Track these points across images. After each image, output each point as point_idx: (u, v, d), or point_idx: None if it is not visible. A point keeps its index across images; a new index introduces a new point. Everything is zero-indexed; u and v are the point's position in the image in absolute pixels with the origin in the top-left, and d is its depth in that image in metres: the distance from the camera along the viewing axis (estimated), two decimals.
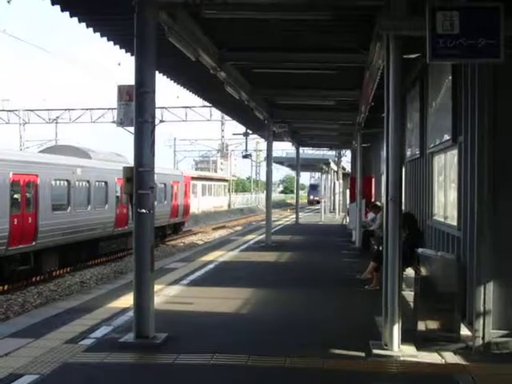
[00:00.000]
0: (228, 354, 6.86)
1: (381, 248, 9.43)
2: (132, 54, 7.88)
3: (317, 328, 8.39)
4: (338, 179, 44.51)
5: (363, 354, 6.93)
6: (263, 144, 31.53)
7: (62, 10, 7.96)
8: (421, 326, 7.77)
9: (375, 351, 6.94)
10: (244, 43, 11.37)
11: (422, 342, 7.32)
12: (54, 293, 16.74)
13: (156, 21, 7.34)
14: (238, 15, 8.82)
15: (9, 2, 23.15)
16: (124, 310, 8.91)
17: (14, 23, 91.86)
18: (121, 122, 8.51)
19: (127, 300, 9.19)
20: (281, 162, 44.19)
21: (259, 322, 8.73)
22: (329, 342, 7.45)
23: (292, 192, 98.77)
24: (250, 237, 23.44)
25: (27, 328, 8.05)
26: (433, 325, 7.81)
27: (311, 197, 72.20)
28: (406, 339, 7.10)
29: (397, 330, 6.93)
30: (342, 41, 10.78)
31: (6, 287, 16.80)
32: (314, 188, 71.35)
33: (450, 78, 8.98)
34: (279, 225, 31.19)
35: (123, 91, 8.30)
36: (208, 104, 25.48)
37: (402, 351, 6.92)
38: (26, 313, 8.90)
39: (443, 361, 6.81)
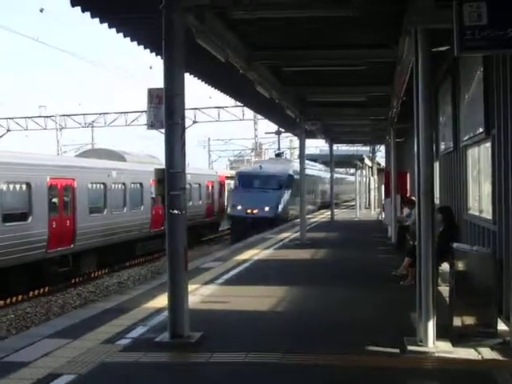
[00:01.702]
0: (263, 353, 6.89)
1: (415, 243, 9.36)
2: (162, 57, 7.96)
3: (351, 325, 8.37)
4: (372, 175, 44.18)
5: (398, 351, 6.90)
6: (297, 142, 31.64)
7: (92, 17, 8.09)
8: (456, 321, 7.68)
9: (410, 347, 6.90)
10: (273, 42, 11.40)
11: (458, 337, 7.23)
12: (92, 294, 17.03)
13: (183, 23, 7.41)
14: (266, 15, 8.84)
15: (41, 11, 23.40)
16: (159, 310, 9.02)
17: (51, 32, 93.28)
18: (151, 125, 8.61)
19: (163, 300, 9.29)
20: (314, 159, 44.03)
21: (294, 319, 8.75)
22: (363, 339, 7.43)
23: None
24: (284, 235, 23.44)
25: (66, 329, 8.21)
26: (469, 320, 7.71)
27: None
28: (441, 335, 7.04)
29: (431, 326, 6.88)
30: (371, 36, 10.73)
31: (46, 289, 17.15)
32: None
33: (482, 69, 8.86)
34: (314, 222, 31.11)
35: (153, 94, 8.40)
36: (240, 104, 25.53)
37: (438, 347, 6.87)
38: (65, 314, 9.05)
39: (480, 357, 6.73)
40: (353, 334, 7.86)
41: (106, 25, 8.74)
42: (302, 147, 20.90)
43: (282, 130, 42.55)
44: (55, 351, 7.03)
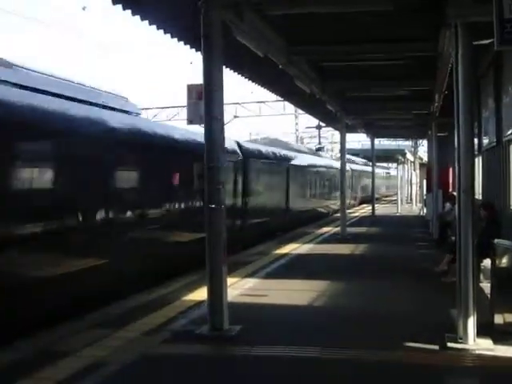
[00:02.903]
0: (302, 347, 6.93)
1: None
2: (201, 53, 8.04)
3: (391, 320, 8.34)
4: (414, 169, 43.71)
5: (437, 347, 6.85)
6: (338, 136, 31.51)
7: (133, 14, 8.21)
8: (498, 318, 7.60)
9: (450, 344, 6.85)
10: (312, 37, 11.36)
11: (500, 335, 7.13)
12: None
13: (222, 20, 7.47)
14: (304, 10, 8.84)
15: (84, 8, 23.84)
16: (200, 303, 9.13)
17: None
18: (191, 120, 8.72)
19: (203, 293, 9.39)
20: (356, 153, 43.78)
21: (334, 314, 8.77)
22: (402, 334, 7.41)
23: None
24: (324, 229, 23.41)
25: (109, 319, 8.39)
26: (511, 317, 7.63)
27: None
28: (482, 332, 6.96)
29: (472, 323, 6.81)
30: (412, 30, 10.62)
31: None
32: None
33: None
34: (355, 217, 30.97)
35: (192, 90, 8.52)
36: (281, 98, 25.52)
37: (478, 344, 6.80)
38: (108, 306, 9.24)
39: None
40: (392, 329, 7.83)
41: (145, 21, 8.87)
42: (342, 142, 20.82)
43: (323, 125, 42.40)
44: (98, 341, 7.20)
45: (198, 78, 7.86)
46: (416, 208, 36.61)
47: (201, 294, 9.70)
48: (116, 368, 6.21)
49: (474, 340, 6.83)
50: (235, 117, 43.59)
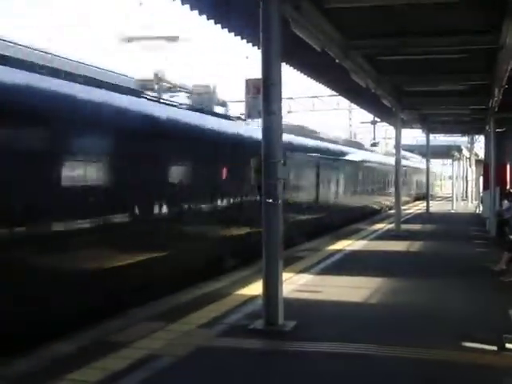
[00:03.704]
0: (357, 344, 6.87)
1: None
2: (258, 48, 8.04)
3: (447, 319, 8.19)
4: (470, 166, 42.84)
5: (495, 348, 6.69)
6: (392, 132, 31.10)
7: (191, 9, 8.28)
8: None
9: (508, 345, 6.68)
10: (369, 31, 11.23)
11: None
12: None
13: (280, 14, 7.44)
14: (363, 3, 8.75)
15: (141, 4, 24.09)
16: (253, 297, 9.16)
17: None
18: (249, 115, 8.73)
19: (257, 287, 9.43)
20: (411, 149, 43.12)
21: (388, 311, 8.67)
22: (458, 334, 7.28)
23: None
24: (378, 226, 23.18)
25: (163, 312, 8.50)
26: None
27: None
28: None
29: None
30: (471, 22, 10.38)
31: None
32: None
33: None
34: (409, 213, 30.56)
35: (250, 85, 8.51)
36: (335, 93, 25.33)
37: None
38: (162, 298, 9.36)
39: None
40: (447, 328, 7.70)
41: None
42: (397, 137, 20.52)
43: (378, 120, 41.91)
44: (153, 333, 7.30)
45: (253, 73, 7.87)
46: (472, 205, 35.91)
47: (254, 288, 9.74)
48: (171, 360, 6.29)
49: None
50: (289, 112, 43.50)
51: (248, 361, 6.45)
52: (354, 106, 40.87)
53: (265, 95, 7.29)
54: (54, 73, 8.48)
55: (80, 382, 5.63)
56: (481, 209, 25.71)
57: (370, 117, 42.31)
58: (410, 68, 14.69)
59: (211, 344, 6.93)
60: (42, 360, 6.29)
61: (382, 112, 24.33)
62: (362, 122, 52.68)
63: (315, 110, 44.59)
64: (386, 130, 62.48)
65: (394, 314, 8.50)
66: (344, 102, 42.46)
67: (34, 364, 6.18)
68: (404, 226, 20.48)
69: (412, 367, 6.22)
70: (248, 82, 8.52)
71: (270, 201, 7.25)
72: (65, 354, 6.49)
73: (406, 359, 6.42)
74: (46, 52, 8.98)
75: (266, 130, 7.32)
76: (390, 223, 22.55)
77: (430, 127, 29.47)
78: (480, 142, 41.08)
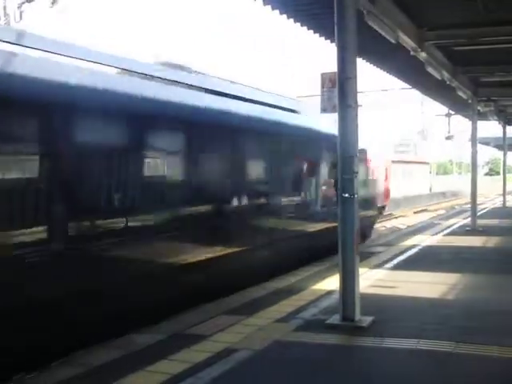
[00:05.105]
0: (434, 340, 6.73)
1: None
2: (331, 41, 8.01)
3: None
4: None
5: None
6: (466, 124, 30.21)
7: (272, 9, 8.35)
8: None
9: None
10: (445, 21, 11.00)
11: None
12: None
13: (355, 7, 7.38)
14: None
15: None
16: (329, 292, 9.12)
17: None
18: (324, 109, 8.67)
19: (332, 282, 9.41)
20: (486, 142, 41.91)
21: (466, 308, 8.45)
22: None
23: (498, 174, 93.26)
24: (453, 221, 22.68)
25: (239, 306, 8.59)
26: None
27: None
28: None
29: None
30: None
31: None
32: None
33: None
34: (484, 208, 29.75)
35: (325, 78, 8.44)
36: (407, 86, 24.89)
37: None
38: (237, 292, 9.47)
39: None
40: None
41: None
42: (474, 130, 19.97)
43: (452, 113, 40.91)
44: (230, 327, 7.38)
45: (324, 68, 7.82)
46: None
47: (330, 283, 9.71)
48: (249, 354, 6.34)
49: None
50: (359, 106, 43.08)
51: (326, 355, 6.42)
52: (426, 98, 40.12)
53: (340, 89, 7.24)
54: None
55: (161, 373, 5.74)
56: None
57: (443, 109, 41.31)
58: (488, 58, 14.30)
59: (288, 338, 6.95)
60: (122, 351, 6.47)
61: (456, 104, 23.76)
62: (437, 115, 51.59)
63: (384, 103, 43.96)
64: (457, 122, 60.90)
65: (473, 311, 8.26)
66: (416, 94, 41.69)
67: (114, 354, 6.36)
68: (480, 221, 19.93)
69: (493, 365, 6.01)
70: (323, 75, 8.46)
71: (347, 195, 7.20)
72: (143, 346, 6.65)
73: (487, 358, 6.19)
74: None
75: (342, 123, 7.27)
76: (465, 218, 22.07)
77: (506, 119, 28.58)
78: None
